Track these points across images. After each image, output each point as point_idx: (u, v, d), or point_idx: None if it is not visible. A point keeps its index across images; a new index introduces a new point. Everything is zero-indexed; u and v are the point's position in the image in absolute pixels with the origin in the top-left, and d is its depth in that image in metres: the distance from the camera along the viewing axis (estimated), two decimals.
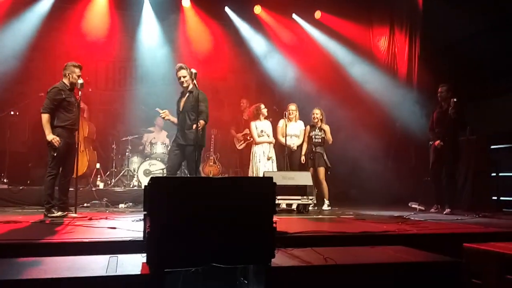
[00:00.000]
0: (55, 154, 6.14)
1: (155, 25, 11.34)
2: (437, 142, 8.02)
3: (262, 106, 8.87)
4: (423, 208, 7.96)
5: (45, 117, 6.14)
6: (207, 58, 11.81)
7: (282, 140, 8.71)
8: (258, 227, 3.16)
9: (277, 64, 11.55)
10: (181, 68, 6.89)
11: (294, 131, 8.79)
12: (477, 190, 8.49)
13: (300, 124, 8.94)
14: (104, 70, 11.73)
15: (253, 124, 8.82)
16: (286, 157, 8.53)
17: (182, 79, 6.86)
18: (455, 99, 7.82)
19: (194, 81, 6.54)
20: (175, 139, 6.95)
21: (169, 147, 9.74)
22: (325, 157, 8.60)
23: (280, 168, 8.74)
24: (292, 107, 8.86)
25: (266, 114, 8.87)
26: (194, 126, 6.47)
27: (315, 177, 8.48)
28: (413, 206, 8.15)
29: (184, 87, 6.91)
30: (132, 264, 3.14)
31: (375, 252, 3.86)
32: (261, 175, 8.12)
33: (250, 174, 8.71)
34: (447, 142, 7.93)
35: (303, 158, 8.74)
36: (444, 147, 7.93)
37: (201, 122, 6.55)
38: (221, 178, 3.43)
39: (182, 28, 11.58)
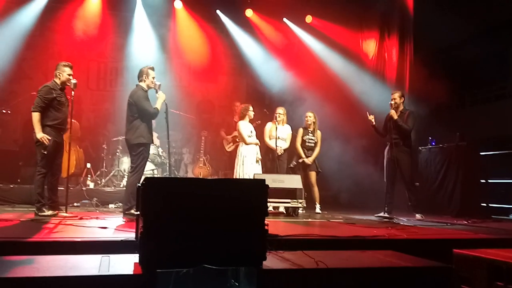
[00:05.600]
0: (45, 153, 6.11)
1: (147, 26, 11.34)
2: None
3: (251, 108, 8.72)
4: (387, 215, 7.65)
5: (35, 115, 6.12)
6: (198, 60, 11.84)
7: (269, 143, 8.71)
8: (250, 229, 3.15)
9: (267, 67, 11.56)
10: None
11: (281, 135, 8.66)
12: (467, 197, 8.43)
13: (287, 128, 8.85)
14: (96, 70, 11.73)
15: (242, 124, 8.57)
16: (276, 160, 8.52)
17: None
18: (392, 102, 7.95)
19: None
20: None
21: (159, 148, 9.78)
22: (316, 161, 8.62)
23: (265, 171, 8.69)
24: (280, 110, 8.74)
25: (252, 116, 8.72)
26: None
27: (306, 181, 8.49)
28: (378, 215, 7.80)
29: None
30: (124, 264, 3.13)
31: (365, 256, 3.86)
32: (251, 177, 7.99)
33: (236, 176, 8.48)
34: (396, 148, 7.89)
35: (294, 161, 8.66)
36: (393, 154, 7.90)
37: None
38: (215, 179, 3.44)
39: (174, 30, 11.59)
